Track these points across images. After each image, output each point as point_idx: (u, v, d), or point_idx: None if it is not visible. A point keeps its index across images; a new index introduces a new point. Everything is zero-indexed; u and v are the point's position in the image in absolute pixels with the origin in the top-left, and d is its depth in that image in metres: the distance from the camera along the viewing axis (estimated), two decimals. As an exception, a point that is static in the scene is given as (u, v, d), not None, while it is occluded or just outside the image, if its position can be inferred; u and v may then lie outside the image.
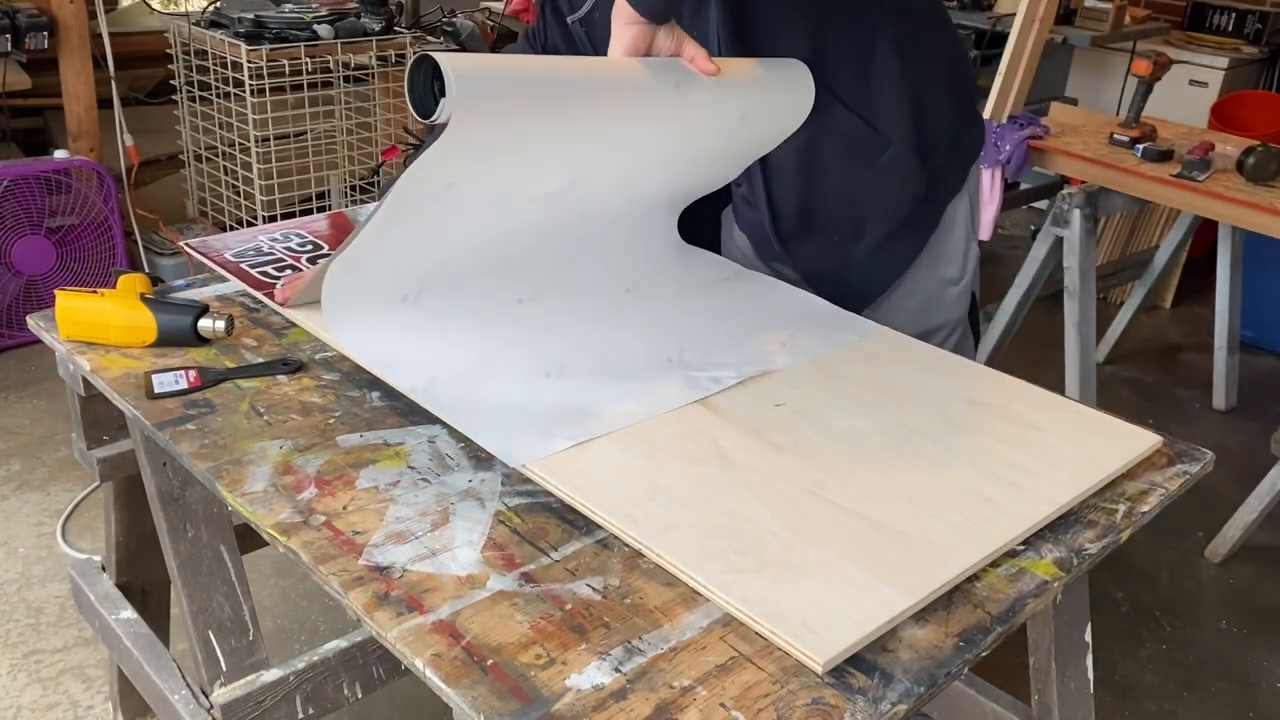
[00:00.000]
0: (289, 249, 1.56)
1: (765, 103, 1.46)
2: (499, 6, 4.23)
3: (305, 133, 3.35)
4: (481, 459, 1.14)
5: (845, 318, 1.51)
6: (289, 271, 1.48)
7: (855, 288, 1.60)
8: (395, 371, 1.24)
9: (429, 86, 1.15)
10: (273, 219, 3.24)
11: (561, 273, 1.45)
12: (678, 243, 1.63)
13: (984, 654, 0.94)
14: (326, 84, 3.40)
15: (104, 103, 3.32)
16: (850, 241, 1.59)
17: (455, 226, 1.30)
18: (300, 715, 1.37)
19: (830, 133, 1.51)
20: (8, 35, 3.03)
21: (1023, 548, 1.06)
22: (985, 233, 2.80)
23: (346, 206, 2.89)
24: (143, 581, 1.66)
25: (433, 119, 1.13)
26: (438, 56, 1.12)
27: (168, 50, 3.39)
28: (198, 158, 3.47)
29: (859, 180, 1.54)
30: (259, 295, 1.43)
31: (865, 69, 1.48)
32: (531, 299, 1.40)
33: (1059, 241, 2.69)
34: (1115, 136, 2.77)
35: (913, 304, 1.64)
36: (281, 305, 1.38)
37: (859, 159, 1.53)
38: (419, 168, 1.18)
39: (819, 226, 1.59)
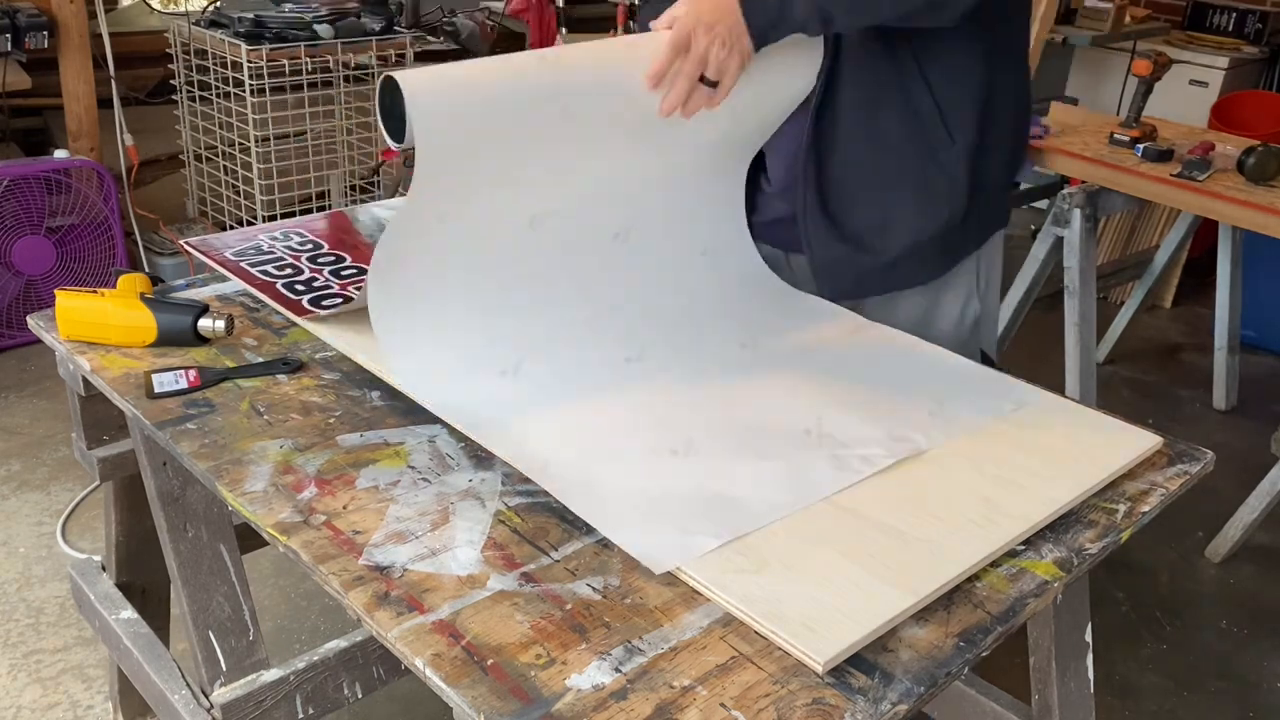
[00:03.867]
0: (289, 248, 1.56)
1: (759, 90, 1.39)
2: (499, 6, 4.23)
3: (305, 133, 3.35)
4: (482, 458, 1.14)
5: (996, 380, 1.35)
6: (289, 270, 1.48)
7: (847, 289, 1.55)
8: (509, 449, 1.13)
9: (401, 107, 1.10)
10: (273, 218, 3.24)
11: (663, 323, 1.33)
12: (773, 284, 1.53)
13: (984, 654, 0.94)
14: (326, 84, 3.40)
15: (104, 103, 3.32)
16: (874, 238, 1.51)
17: (490, 268, 1.25)
18: (300, 715, 1.37)
19: (900, 105, 1.45)
20: (8, 35, 3.03)
21: (1023, 548, 1.06)
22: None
23: (346, 206, 2.89)
24: (143, 581, 1.66)
25: (404, 144, 1.10)
26: (398, 76, 1.08)
27: (168, 50, 3.39)
28: (198, 157, 3.47)
29: (910, 163, 1.47)
30: (261, 295, 1.42)
31: (954, 64, 1.44)
32: (640, 357, 1.29)
33: (1059, 241, 2.69)
34: (1115, 136, 2.76)
35: None
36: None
37: (919, 141, 1.46)
38: (407, 209, 1.15)
39: (848, 206, 1.50)
